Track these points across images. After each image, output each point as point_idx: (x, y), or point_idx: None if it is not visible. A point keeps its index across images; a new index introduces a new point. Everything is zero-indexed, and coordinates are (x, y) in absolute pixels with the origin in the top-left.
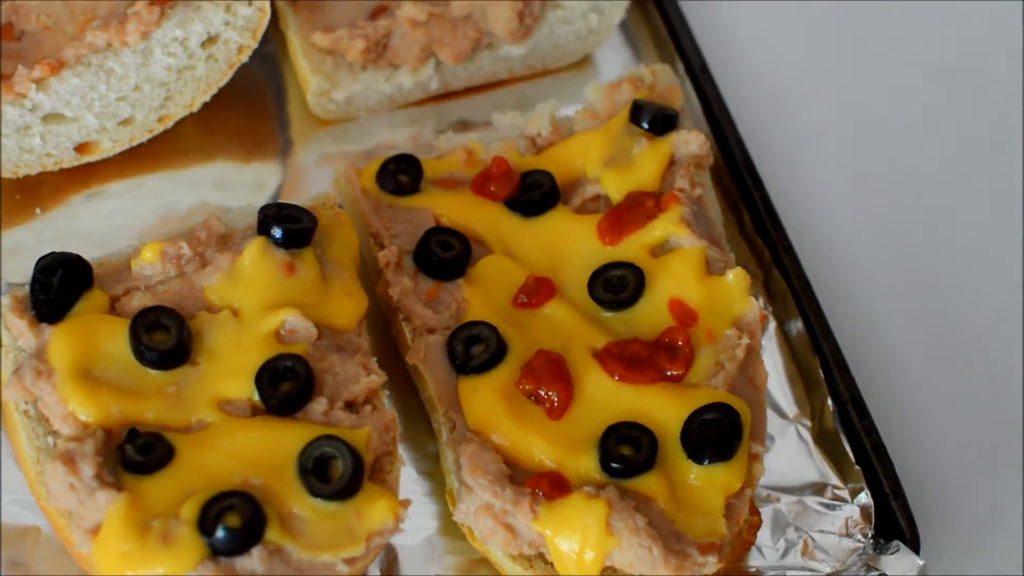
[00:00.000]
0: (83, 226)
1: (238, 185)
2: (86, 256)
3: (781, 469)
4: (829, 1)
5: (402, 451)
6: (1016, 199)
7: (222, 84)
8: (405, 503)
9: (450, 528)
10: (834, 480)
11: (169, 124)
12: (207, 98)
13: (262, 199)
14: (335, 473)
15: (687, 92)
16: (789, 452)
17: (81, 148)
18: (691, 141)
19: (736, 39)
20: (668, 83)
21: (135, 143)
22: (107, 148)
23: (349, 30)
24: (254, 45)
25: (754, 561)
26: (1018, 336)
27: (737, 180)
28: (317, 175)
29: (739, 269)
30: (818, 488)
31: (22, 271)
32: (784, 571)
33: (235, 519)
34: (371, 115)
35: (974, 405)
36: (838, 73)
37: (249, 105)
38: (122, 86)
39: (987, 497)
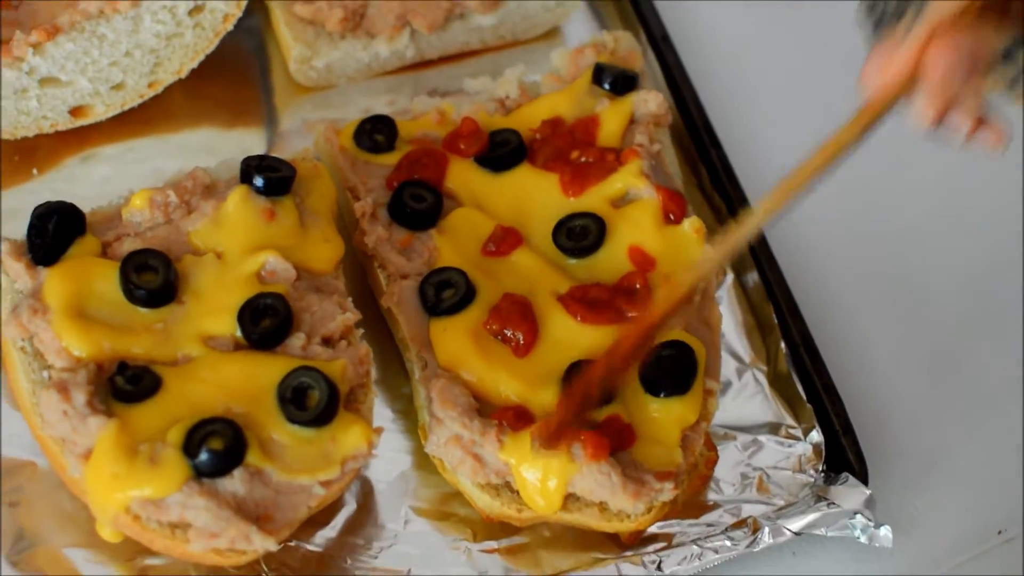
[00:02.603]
0: (77, 187)
1: (224, 150)
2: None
3: (738, 411)
4: None
5: (377, 392)
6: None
7: (209, 51)
8: (378, 430)
9: (423, 463)
10: (788, 420)
11: (159, 90)
12: (195, 65)
13: None
14: (312, 402)
15: (649, 60)
16: (745, 395)
17: (75, 112)
18: (650, 100)
19: (697, 10)
20: (629, 48)
21: (126, 107)
22: (100, 112)
23: (328, 1)
24: (238, 14)
25: (712, 495)
26: (961, 283)
27: (696, 140)
28: (299, 140)
29: (695, 218)
30: (772, 427)
31: (20, 229)
32: (740, 504)
33: (218, 443)
34: (350, 83)
35: (920, 349)
36: (796, 41)
37: (235, 74)
38: (114, 52)
39: (932, 434)
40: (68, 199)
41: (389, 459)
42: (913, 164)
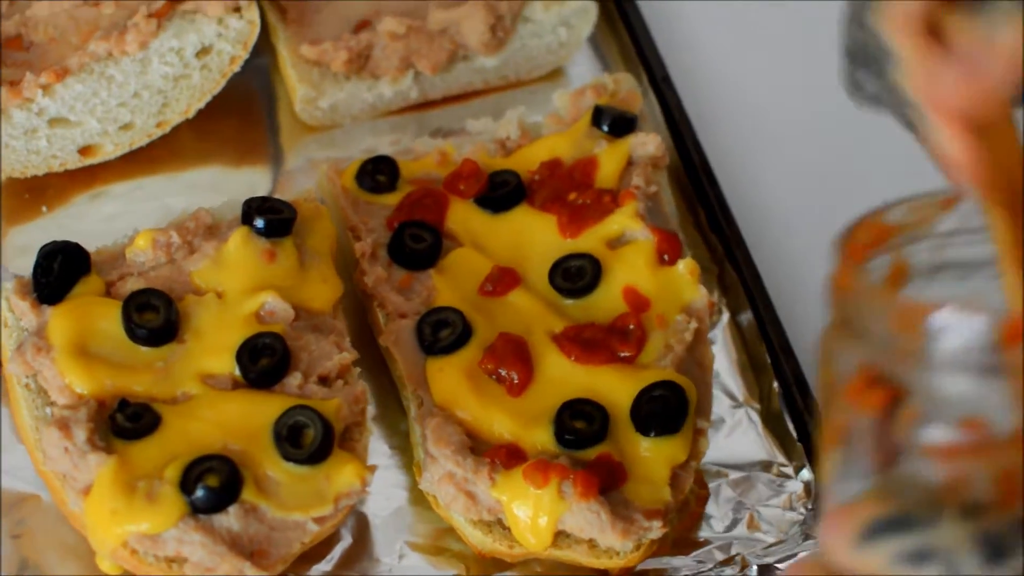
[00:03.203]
0: (86, 224)
1: (231, 188)
2: (87, 248)
3: (730, 448)
4: (790, 17)
5: (375, 429)
6: None
7: (216, 92)
8: (371, 468)
9: (419, 499)
10: (780, 458)
11: (167, 129)
12: (202, 105)
13: None
14: (307, 440)
15: (650, 101)
16: (739, 433)
17: (84, 151)
18: (648, 143)
19: (698, 52)
20: (629, 90)
21: (135, 147)
22: (109, 151)
23: (334, 43)
24: (245, 56)
25: (703, 532)
26: None
27: (693, 180)
28: (305, 178)
29: (689, 259)
30: (765, 466)
31: (30, 265)
32: (731, 540)
33: (214, 480)
34: (355, 123)
35: None
36: (796, 82)
37: (242, 113)
38: (122, 93)
39: None
40: (77, 236)
41: (385, 494)
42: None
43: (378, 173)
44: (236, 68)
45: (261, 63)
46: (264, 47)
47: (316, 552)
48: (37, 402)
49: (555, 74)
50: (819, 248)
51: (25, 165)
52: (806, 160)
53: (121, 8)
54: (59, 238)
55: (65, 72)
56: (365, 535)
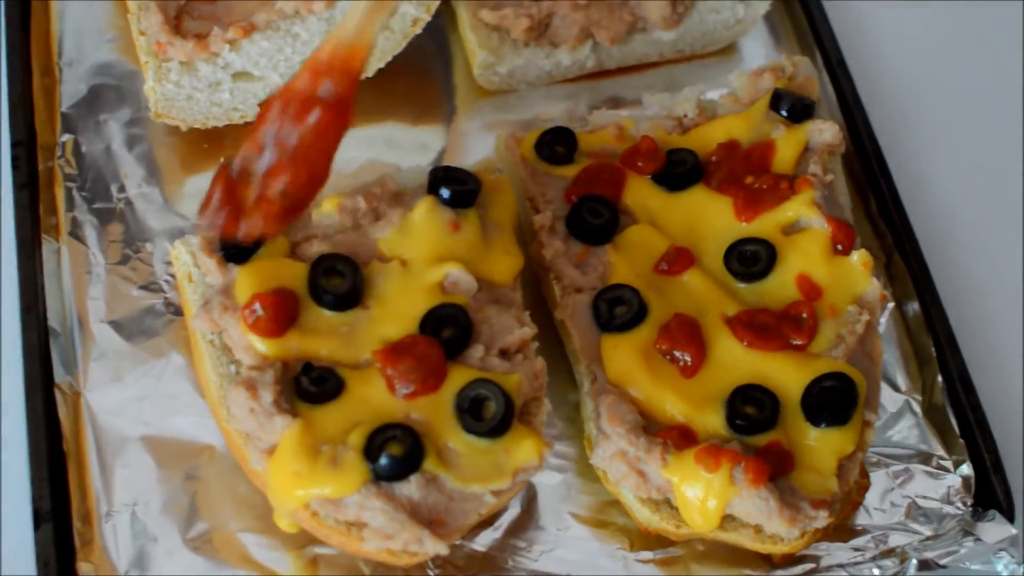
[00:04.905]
0: None
1: (406, 145)
2: None
3: (891, 438)
4: (967, 3)
5: (546, 398)
6: None
7: (396, 52)
8: (549, 444)
9: (585, 471)
10: (939, 451)
11: None
12: (382, 64)
13: (427, 159)
14: (488, 413)
15: (824, 83)
16: (900, 423)
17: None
18: (826, 130)
19: (873, 34)
20: (807, 74)
21: None
22: None
23: (515, 9)
24: (428, 18)
25: (861, 520)
26: None
27: (866, 168)
28: (478, 141)
29: (863, 251)
30: (924, 457)
31: None
32: (888, 531)
33: (397, 448)
34: (531, 88)
35: None
36: (970, 71)
37: (420, 73)
38: (306, 50)
39: None
40: None
41: (552, 465)
42: None
43: (556, 144)
44: (418, 30)
45: (439, 22)
46: (443, 6)
47: (486, 519)
48: (221, 359)
49: (729, 49)
50: (988, 242)
51: (207, 116)
52: (977, 151)
53: None
54: None
55: (252, 28)
56: (533, 505)
